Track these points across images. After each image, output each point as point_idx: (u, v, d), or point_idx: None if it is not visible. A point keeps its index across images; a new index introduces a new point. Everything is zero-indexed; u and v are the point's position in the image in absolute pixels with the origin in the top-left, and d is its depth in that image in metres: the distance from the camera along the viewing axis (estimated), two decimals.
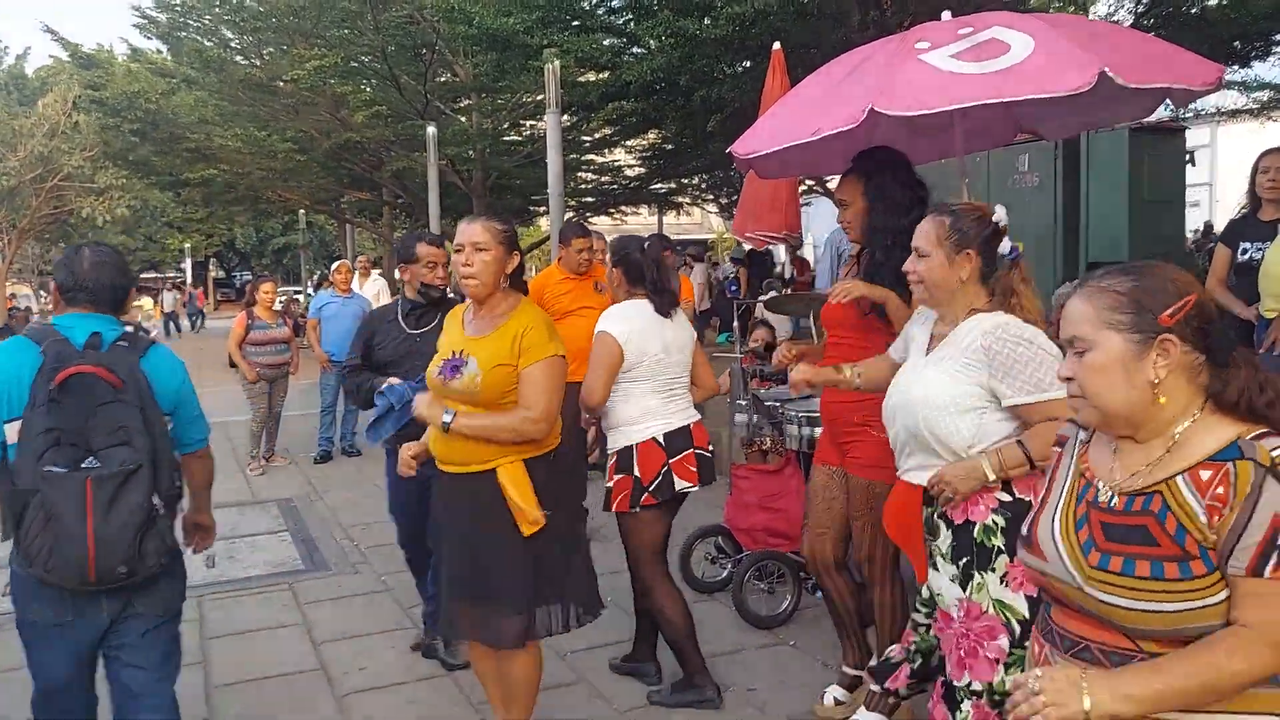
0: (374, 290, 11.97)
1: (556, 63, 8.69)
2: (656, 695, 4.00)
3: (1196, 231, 17.37)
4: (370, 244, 33.14)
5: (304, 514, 7.29)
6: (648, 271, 3.93)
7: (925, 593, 2.79)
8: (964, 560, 2.60)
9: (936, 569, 2.67)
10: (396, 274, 7.08)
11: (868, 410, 3.29)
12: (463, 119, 17.60)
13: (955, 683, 2.61)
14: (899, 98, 3.08)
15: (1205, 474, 1.52)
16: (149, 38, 22.87)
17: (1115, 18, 11.97)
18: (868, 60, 3.48)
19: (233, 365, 9.05)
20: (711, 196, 22.93)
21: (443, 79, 17.73)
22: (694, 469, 3.84)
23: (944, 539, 2.66)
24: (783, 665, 4.29)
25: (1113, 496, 1.61)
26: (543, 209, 22.67)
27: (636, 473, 3.78)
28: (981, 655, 2.55)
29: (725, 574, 5.15)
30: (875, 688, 3.26)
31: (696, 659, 3.93)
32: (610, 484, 3.85)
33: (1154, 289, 1.57)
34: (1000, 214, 2.69)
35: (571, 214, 19.03)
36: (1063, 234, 7.44)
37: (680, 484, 3.82)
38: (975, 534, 2.60)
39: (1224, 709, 1.50)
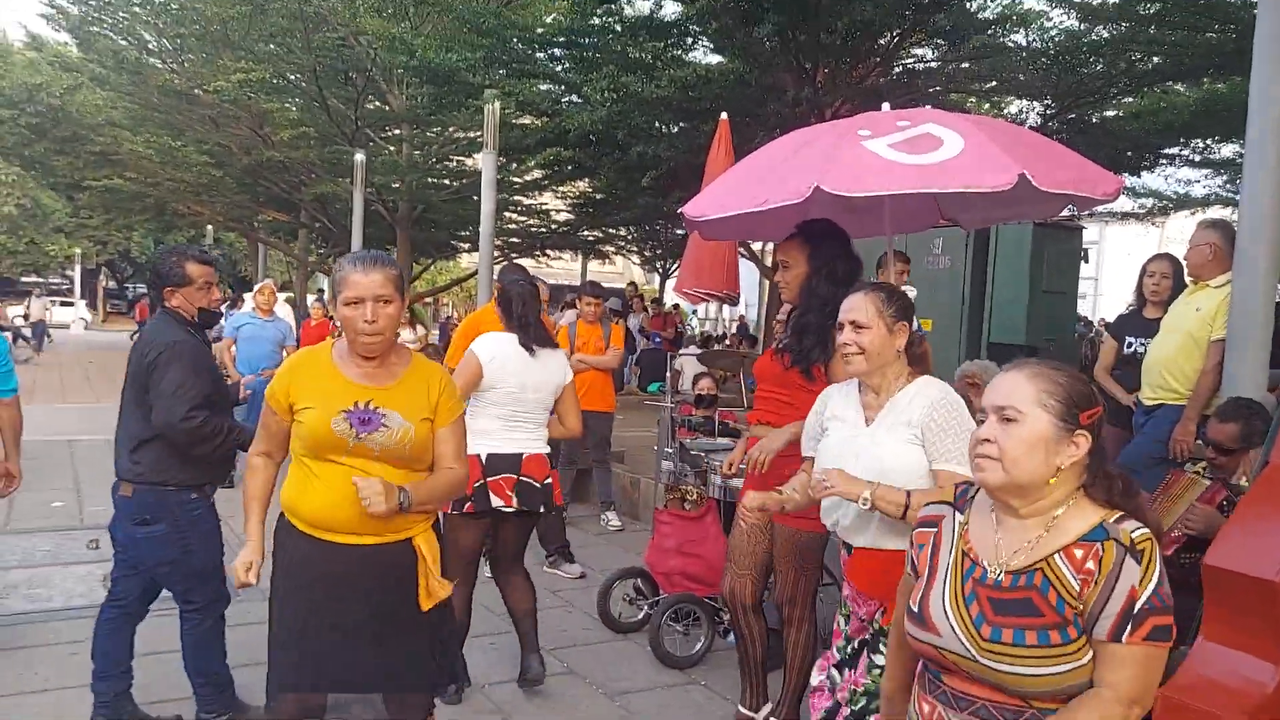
0: (284, 313, 11.85)
1: (497, 104, 8.86)
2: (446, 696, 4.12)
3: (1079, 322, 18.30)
4: (281, 267, 32.34)
5: None
6: (515, 309, 4.35)
7: None
8: None
9: None
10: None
11: (797, 464, 3.53)
12: (390, 148, 17.51)
13: None
14: (843, 178, 3.36)
15: (1079, 553, 1.76)
16: (57, 29, 21.36)
17: (1024, 118, 12.82)
18: (814, 141, 3.78)
19: None
20: (636, 249, 23.24)
21: (373, 105, 17.57)
22: (510, 492, 4.20)
23: None
24: (694, 703, 4.50)
25: (1000, 574, 1.82)
26: (466, 245, 22.69)
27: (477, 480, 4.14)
28: None
29: (642, 615, 5.34)
30: None
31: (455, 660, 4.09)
32: None
33: (1080, 390, 1.82)
34: (913, 293, 2.96)
35: (498, 254, 19.14)
36: (969, 314, 7.92)
37: (495, 500, 4.18)
38: None
39: None
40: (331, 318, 13.47)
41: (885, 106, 3.99)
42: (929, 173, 3.38)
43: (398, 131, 17.69)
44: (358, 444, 2.75)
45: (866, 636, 2.90)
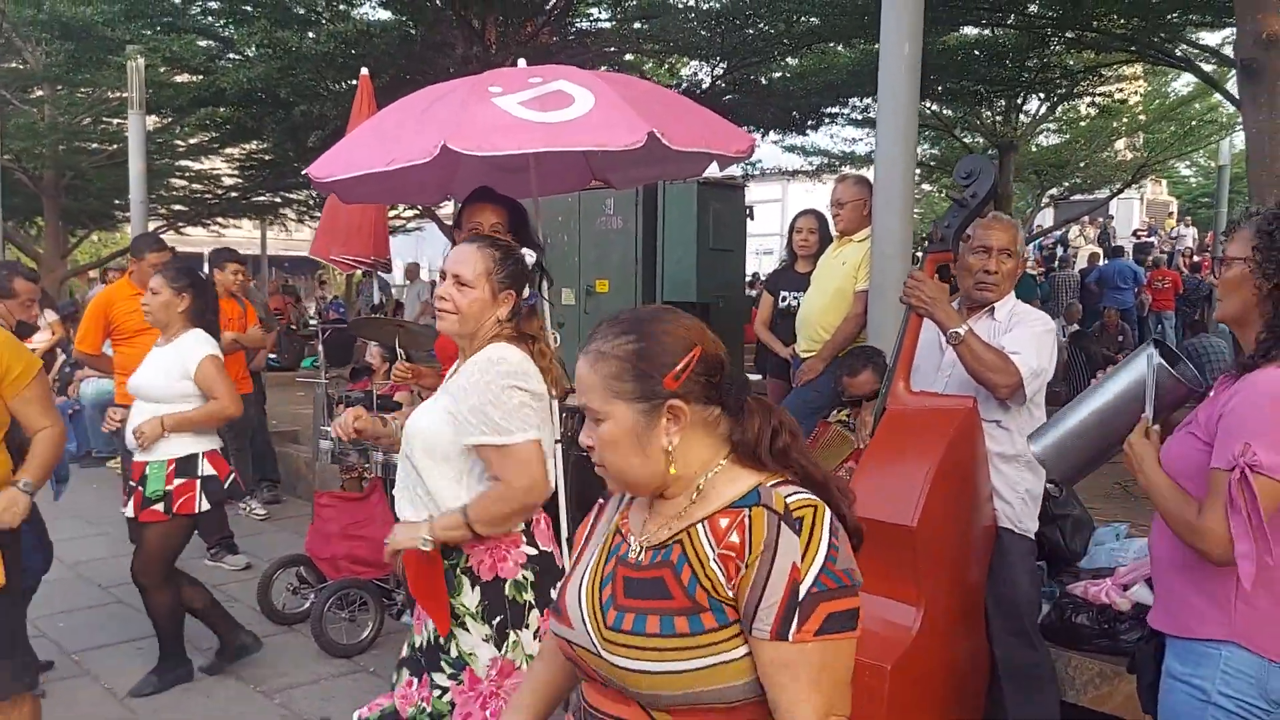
0: None
1: (141, 60, 8.10)
2: (140, 686, 4.23)
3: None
4: None
5: None
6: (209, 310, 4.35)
7: (454, 653, 2.45)
8: (498, 619, 2.43)
9: (466, 629, 2.44)
10: None
11: None
12: (34, 110, 15.67)
13: None
14: (470, 137, 3.20)
15: (723, 521, 1.43)
16: None
17: (697, 79, 13.26)
18: (446, 97, 3.59)
19: None
20: (320, 214, 22.06)
21: (12, 65, 15.68)
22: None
23: (470, 597, 2.43)
24: (360, 691, 4.26)
25: (641, 550, 1.51)
26: (127, 213, 20.67)
27: (210, 472, 4.14)
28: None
29: (308, 604, 5.01)
30: None
31: (180, 641, 4.34)
32: (169, 487, 4.05)
33: (655, 351, 1.46)
34: (531, 258, 2.65)
35: (162, 223, 17.58)
36: (642, 274, 8.05)
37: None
38: (506, 591, 2.44)
39: None
40: None
41: (521, 63, 3.87)
42: (558, 131, 3.29)
43: (40, 92, 15.80)
44: None
45: (418, 639, 2.57)
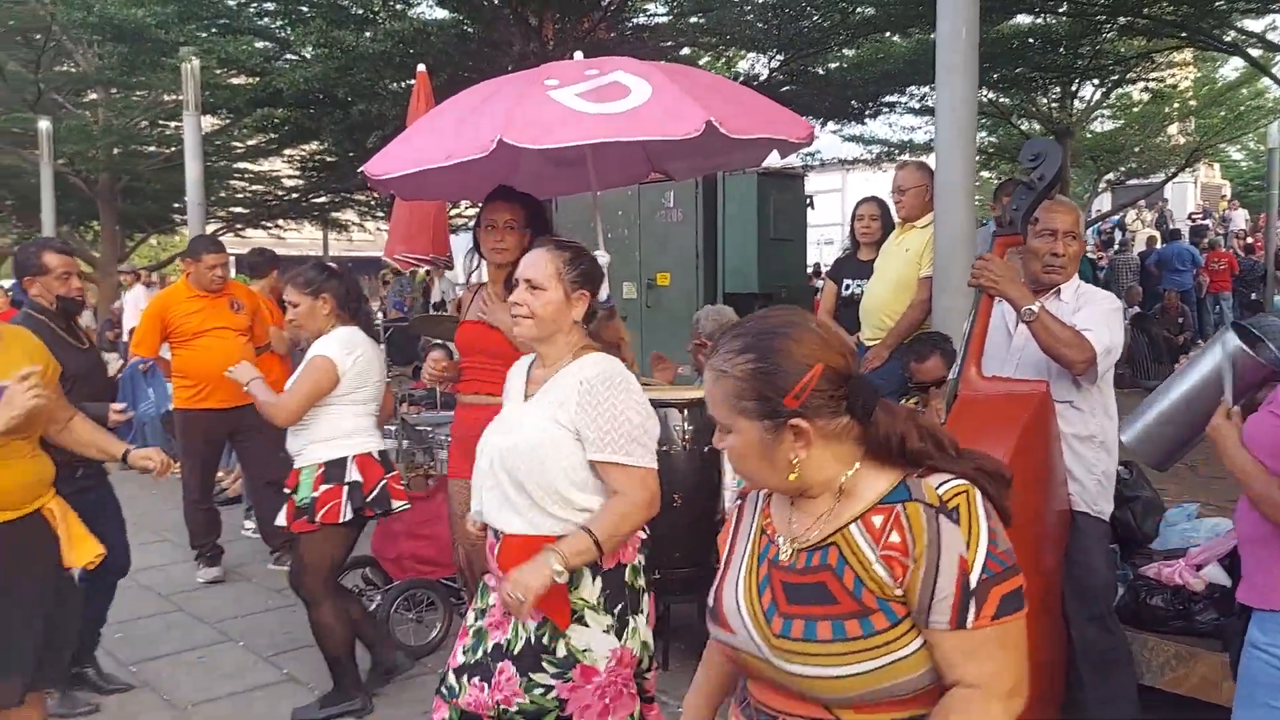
0: None
1: (196, 62, 8.16)
2: (302, 711, 3.97)
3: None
4: None
5: None
6: (355, 296, 3.95)
7: (561, 651, 2.44)
8: (619, 607, 2.48)
9: (585, 624, 2.45)
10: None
11: None
12: (87, 114, 15.91)
13: None
14: (526, 130, 3.17)
15: (877, 519, 1.44)
16: None
17: (755, 70, 13.18)
18: (501, 91, 3.56)
19: None
20: (383, 214, 22.23)
21: (64, 68, 15.92)
22: (401, 487, 3.97)
23: (591, 589, 2.45)
24: (428, 694, 4.12)
25: (793, 553, 1.51)
26: (185, 217, 20.93)
27: (355, 478, 3.76)
28: (624, 695, 2.50)
29: (374, 606, 4.97)
30: None
31: (354, 673, 4.01)
32: (315, 494, 3.73)
33: (774, 370, 1.45)
34: (605, 259, 2.67)
35: (221, 225, 17.81)
36: (704, 266, 7.99)
37: (395, 502, 3.90)
38: (625, 576, 2.51)
39: None
40: (18, 304, 12.23)
41: (578, 55, 3.82)
42: (616, 122, 3.25)
43: (94, 96, 16.04)
44: None
45: (502, 639, 2.53)
